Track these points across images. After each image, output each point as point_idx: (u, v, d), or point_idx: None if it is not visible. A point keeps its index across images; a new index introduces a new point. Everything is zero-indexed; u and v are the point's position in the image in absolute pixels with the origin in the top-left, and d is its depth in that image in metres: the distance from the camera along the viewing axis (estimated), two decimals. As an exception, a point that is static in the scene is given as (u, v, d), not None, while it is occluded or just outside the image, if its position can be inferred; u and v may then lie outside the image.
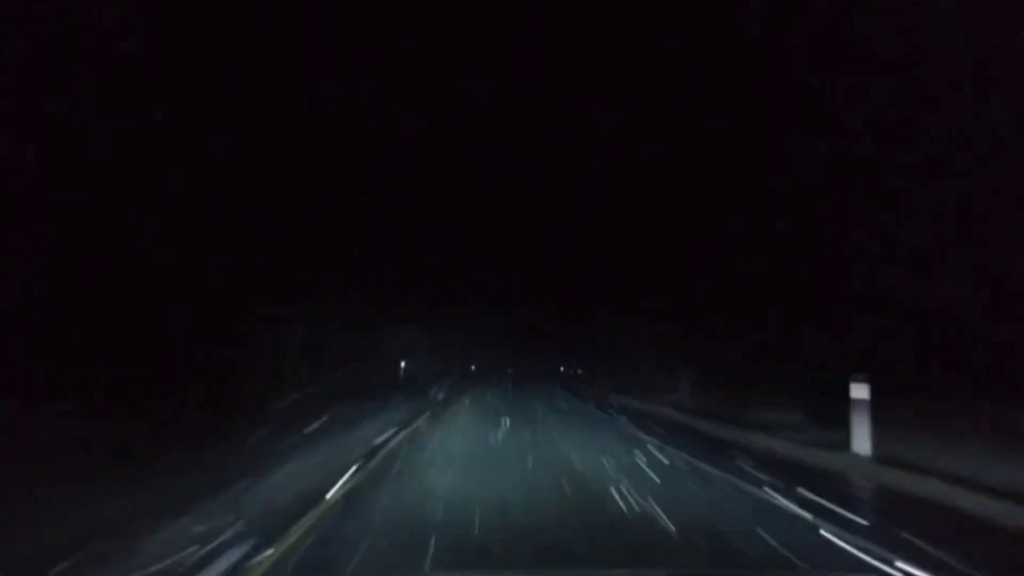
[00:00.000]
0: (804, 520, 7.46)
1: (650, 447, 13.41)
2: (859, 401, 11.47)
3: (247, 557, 5.66)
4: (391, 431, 15.40)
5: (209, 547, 5.84)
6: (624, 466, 11.05)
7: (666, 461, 11.72)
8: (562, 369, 76.02)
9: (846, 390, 11.71)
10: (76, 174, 14.45)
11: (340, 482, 9.14)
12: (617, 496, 8.53)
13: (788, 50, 18.35)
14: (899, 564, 5.74)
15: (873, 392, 11.47)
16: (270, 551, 5.79)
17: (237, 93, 18.96)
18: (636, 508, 7.92)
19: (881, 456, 10.96)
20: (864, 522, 7.35)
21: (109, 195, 14.92)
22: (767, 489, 9.06)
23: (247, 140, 19.93)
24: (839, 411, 11.91)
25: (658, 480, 9.85)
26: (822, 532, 6.88)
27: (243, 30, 18.18)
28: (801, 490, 8.74)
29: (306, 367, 26.11)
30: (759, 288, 22.06)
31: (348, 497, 8.34)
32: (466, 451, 13.06)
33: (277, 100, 21.26)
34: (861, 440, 11.26)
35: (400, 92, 29.58)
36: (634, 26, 23.58)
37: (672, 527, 6.96)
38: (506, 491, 8.72)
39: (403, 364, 42.32)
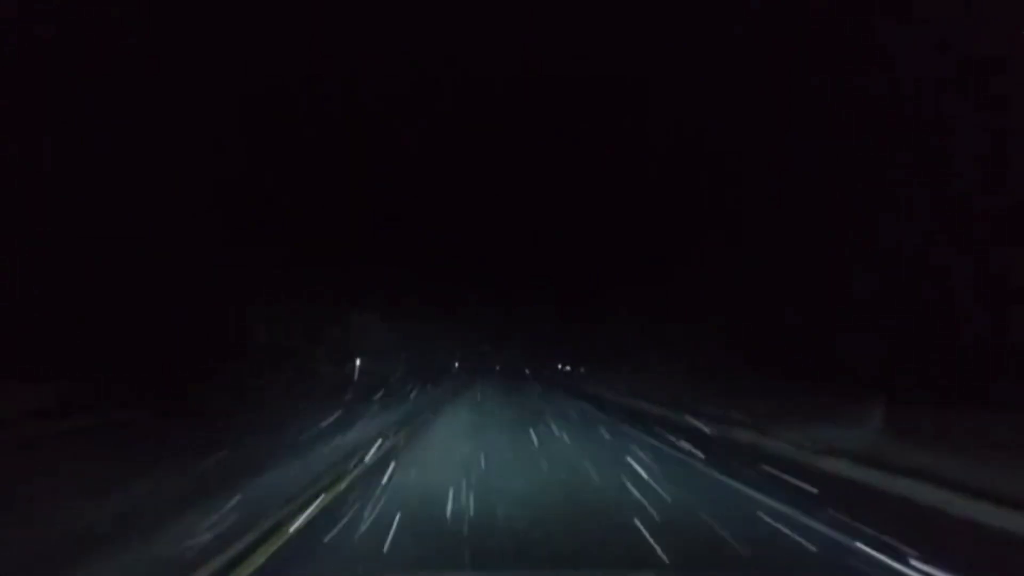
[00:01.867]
0: None
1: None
2: None
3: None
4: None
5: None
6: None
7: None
8: (560, 367, 74.95)
9: None
10: (75, 174, 14.47)
11: None
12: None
13: (788, 50, 18.36)
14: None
15: None
16: None
17: (237, 93, 18.97)
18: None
19: None
20: None
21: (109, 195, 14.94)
22: None
23: (247, 140, 19.94)
24: None
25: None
26: None
27: (244, 30, 18.18)
28: None
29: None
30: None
31: None
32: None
33: (277, 100, 21.28)
34: None
35: (400, 92, 29.65)
36: (634, 27, 23.61)
37: None
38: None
39: (358, 363, 33.91)
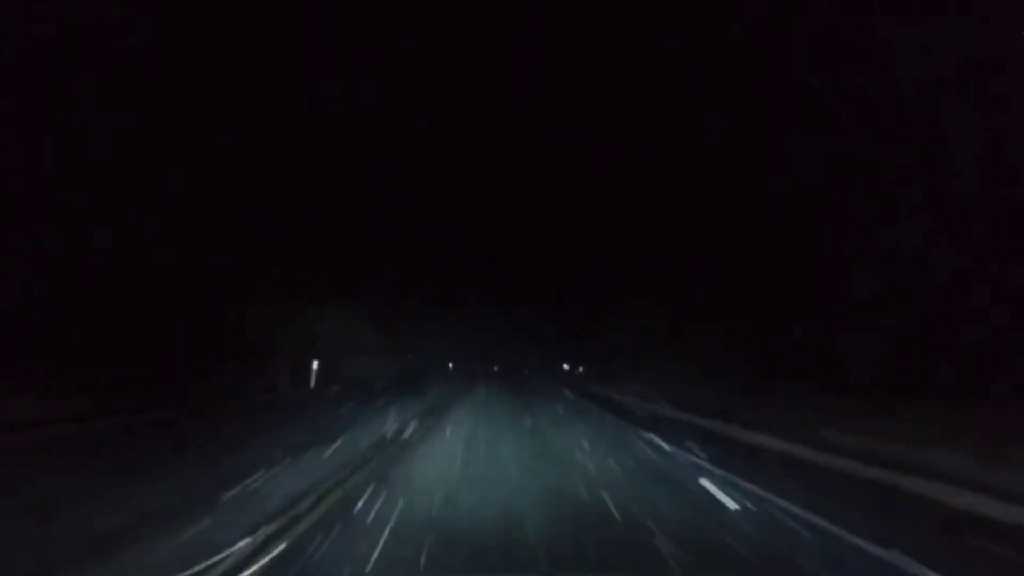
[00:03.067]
0: None
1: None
2: None
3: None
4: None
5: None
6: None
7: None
8: (565, 367, 74.67)
9: None
10: (75, 174, 14.45)
11: None
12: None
13: (788, 50, 18.36)
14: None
15: None
16: None
17: (237, 92, 18.96)
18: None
19: None
20: None
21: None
22: None
23: (247, 140, 19.93)
24: None
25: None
26: None
27: (244, 31, 18.18)
28: None
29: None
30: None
31: None
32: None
33: (277, 100, 21.28)
34: None
35: (400, 92, 29.67)
36: (634, 27, 23.61)
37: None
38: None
39: (315, 365, 27.77)
